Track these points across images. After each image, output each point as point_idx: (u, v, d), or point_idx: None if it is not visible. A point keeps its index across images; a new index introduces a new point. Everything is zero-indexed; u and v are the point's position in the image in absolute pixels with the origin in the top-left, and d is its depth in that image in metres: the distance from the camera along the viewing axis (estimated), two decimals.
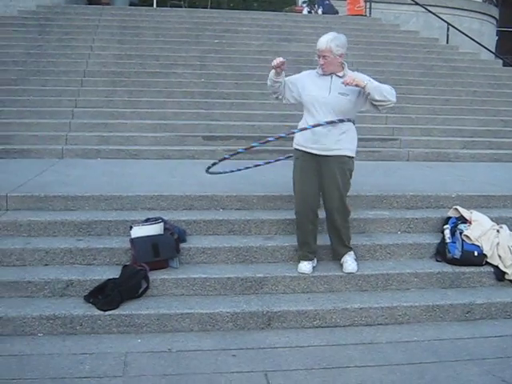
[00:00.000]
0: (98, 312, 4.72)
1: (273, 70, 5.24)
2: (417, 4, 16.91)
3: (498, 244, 5.66)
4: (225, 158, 5.62)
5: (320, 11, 16.78)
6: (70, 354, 4.37)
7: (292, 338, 4.76)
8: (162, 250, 5.18)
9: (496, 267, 5.59)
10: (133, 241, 5.21)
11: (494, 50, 18.97)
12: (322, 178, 5.26)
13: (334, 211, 5.31)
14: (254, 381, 4.09)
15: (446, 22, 16.03)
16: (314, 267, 5.38)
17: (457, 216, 6.00)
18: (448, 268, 5.57)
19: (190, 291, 5.11)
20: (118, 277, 4.97)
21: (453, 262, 5.61)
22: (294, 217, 5.46)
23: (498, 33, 23.50)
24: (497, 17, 21.84)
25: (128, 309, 4.79)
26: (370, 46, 13.24)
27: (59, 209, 5.89)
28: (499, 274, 5.58)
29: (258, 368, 4.25)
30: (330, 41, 5.10)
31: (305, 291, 5.25)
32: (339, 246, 5.45)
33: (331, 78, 5.22)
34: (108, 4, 15.90)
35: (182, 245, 5.40)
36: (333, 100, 5.15)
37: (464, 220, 5.91)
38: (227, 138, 8.92)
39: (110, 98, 9.84)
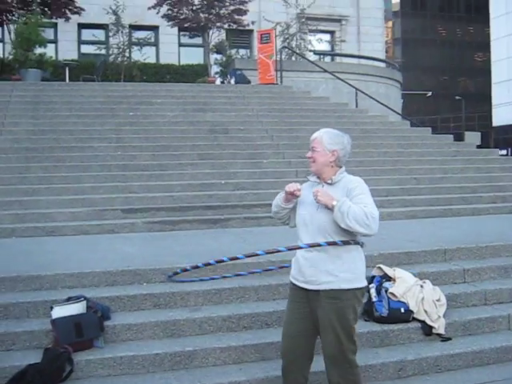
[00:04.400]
0: None
1: (282, 195, 4.25)
2: (325, 71, 17.58)
3: (422, 299, 5.74)
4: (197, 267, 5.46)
5: (232, 81, 17.17)
6: None
7: None
8: (86, 330, 4.98)
9: (423, 322, 5.66)
10: (54, 322, 4.99)
11: (400, 112, 19.86)
12: (316, 318, 4.20)
13: (327, 361, 4.23)
14: None
15: (353, 87, 16.68)
16: None
17: (381, 274, 6.08)
18: (376, 327, 5.60)
19: (117, 371, 4.90)
20: (39, 361, 4.71)
21: (381, 320, 5.65)
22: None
23: (403, 95, 24.69)
24: (401, 80, 22.97)
25: None
26: (283, 112, 13.55)
27: None
28: (426, 329, 5.64)
29: None
30: (322, 132, 4.24)
31: (236, 362, 5.13)
32: None
33: (322, 187, 4.20)
34: (19, 80, 15.67)
35: (107, 322, 5.21)
36: (320, 218, 4.10)
37: (388, 278, 5.98)
38: (146, 210, 8.82)
39: (24, 175, 9.60)
